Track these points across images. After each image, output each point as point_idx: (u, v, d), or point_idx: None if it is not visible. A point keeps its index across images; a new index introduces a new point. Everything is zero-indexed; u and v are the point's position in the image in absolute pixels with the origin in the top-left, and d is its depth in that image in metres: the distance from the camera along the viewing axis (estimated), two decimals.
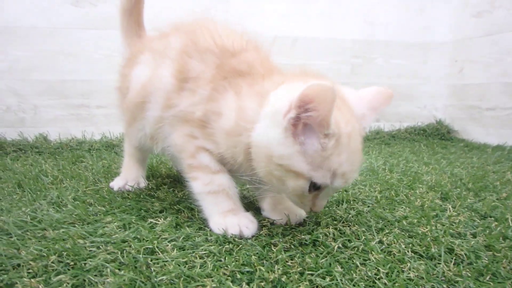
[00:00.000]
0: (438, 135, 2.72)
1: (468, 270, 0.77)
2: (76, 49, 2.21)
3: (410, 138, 2.63)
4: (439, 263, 0.79)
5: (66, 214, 1.01)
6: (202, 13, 2.27)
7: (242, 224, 0.90)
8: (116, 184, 1.28)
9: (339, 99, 0.80)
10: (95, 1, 2.19)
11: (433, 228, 0.95)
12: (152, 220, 0.97)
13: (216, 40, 1.00)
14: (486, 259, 0.81)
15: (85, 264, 0.75)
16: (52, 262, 0.75)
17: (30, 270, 0.73)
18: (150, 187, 1.31)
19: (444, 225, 0.98)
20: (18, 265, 0.75)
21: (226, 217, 0.92)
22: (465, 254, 0.81)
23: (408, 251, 0.82)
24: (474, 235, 0.93)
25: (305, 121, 0.77)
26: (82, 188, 1.25)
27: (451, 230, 0.95)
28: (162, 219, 0.98)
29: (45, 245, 0.81)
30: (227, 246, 0.83)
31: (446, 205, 1.14)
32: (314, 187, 0.82)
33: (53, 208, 1.06)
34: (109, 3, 2.19)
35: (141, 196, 1.18)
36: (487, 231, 0.95)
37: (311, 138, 0.78)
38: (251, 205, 1.10)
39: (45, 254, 0.78)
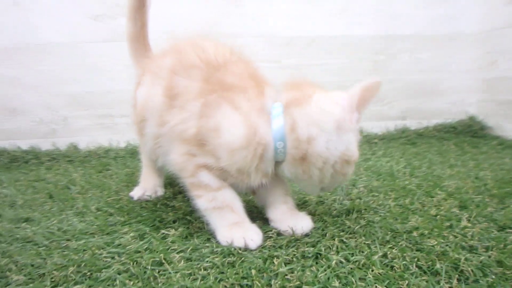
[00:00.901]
0: (469, 132, 2.59)
1: None
2: (98, 62, 2.30)
3: (438, 137, 2.53)
4: (443, 280, 0.77)
5: (88, 224, 1.08)
6: (216, 20, 2.35)
7: (247, 236, 0.93)
8: (136, 193, 1.34)
9: None
10: (114, 14, 2.25)
11: (443, 240, 0.94)
12: (164, 231, 1.01)
13: (200, 55, 1.04)
14: (494, 276, 0.79)
15: (100, 274, 0.80)
16: (71, 273, 0.81)
17: (53, 279, 0.79)
18: (167, 195, 1.36)
19: (456, 237, 0.96)
20: (43, 274, 0.81)
21: (232, 230, 0.95)
22: (472, 271, 0.80)
23: (412, 266, 0.82)
24: (487, 249, 0.90)
25: None
26: (104, 198, 1.32)
27: (462, 243, 0.93)
28: (173, 229, 1.02)
29: (67, 256, 0.88)
30: (230, 258, 0.86)
31: (463, 214, 1.12)
32: None
33: (77, 218, 1.14)
34: None
35: (157, 206, 1.23)
36: (502, 245, 0.92)
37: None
38: (260, 215, 1.11)
39: (66, 264, 0.84)
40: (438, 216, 1.10)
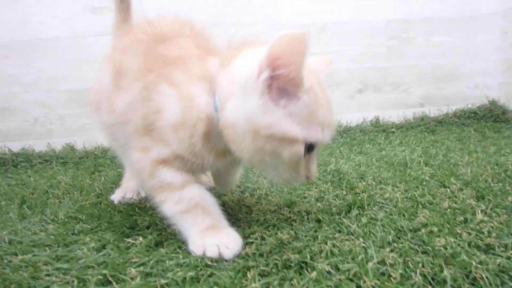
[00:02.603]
0: (491, 117, 2.42)
1: None
2: (98, 56, 2.16)
3: (459, 123, 2.37)
4: None
5: (47, 234, 0.94)
6: (224, 8, 2.24)
7: (222, 243, 0.79)
8: (116, 197, 1.22)
9: None
10: (113, 7, 2.15)
11: (455, 239, 0.78)
12: (130, 239, 0.88)
13: (147, 29, 0.95)
14: None
15: None
16: None
17: None
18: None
19: (470, 234, 0.81)
20: None
21: (205, 237, 0.81)
22: (486, 278, 0.64)
23: (414, 274, 0.67)
24: (506, 248, 0.75)
25: (278, 83, 0.72)
26: (80, 203, 1.19)
27: (477, 241, 0.77)
28: (142, 237, 0.88)
29: (4, 274, 0.74)
30: (195, 272, 0.71)
31: (480, 205, 0.96)
32: (309, 149, 0.78)
33: (38, 227, 1.01)
34: None
35: (136, 210, 1.09)
36: None
37: (291, 98, 0.74)
38: (244, 216, 0.98)
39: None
40: (451, 210, 0.95)
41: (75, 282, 0.70)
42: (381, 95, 2.51)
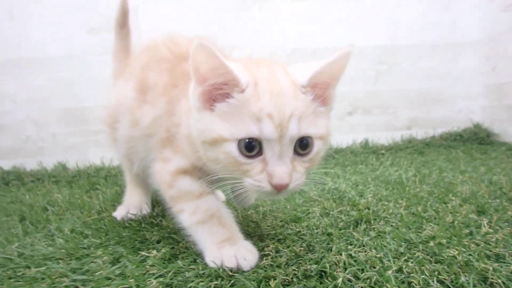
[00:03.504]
0: (476, 139, 2.51)
1: None
2: (93, 75, 2.18)
3: (446, 145, 2.44)
4: None
5: (56, 248, 0.94)
6: (219, 32, 2.29)
7: (240, 255, 0.79)
8: (119, 213, 1.21)
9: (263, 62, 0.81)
10: (110, 27, 2.17)
11: (465, 249, 0.81)
12: (144, 252, 0.88)
13: (171, 48, 0.98)
14: None
15: None
16: None
17: None
18: (156, 213, 1.22)
19: (478, 245, 0.83)
20: None
21: (222, 249, 0.81)
22: (503, 283, 0.67)
23: (432, 281, 0.69)
24: None
25: (213, 92, 0.73)
26: (83, 219, 1.18)
27: (486, 251, 0.80)
28: (155, 251, 0.88)
29: (19, 286, 0.74)
30: (217, 282, 0.72)
31: (482, 219, 0.99)
32: (248, 149, 0.71)
33: (46, 241, 1.00)
34: None
35: (142, 225, 1.09)
36: None
37: (223, 99, 0.73)
38: (256, 230, 0.99)
39: None
40: (455, 223, 0.98)
41: None
42: (370, 117, 2.57)
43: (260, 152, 0.72)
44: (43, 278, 0.77)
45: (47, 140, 2.20)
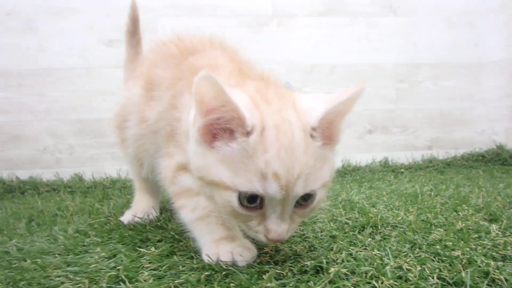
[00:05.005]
0: (499, 160, 2.44)
1: None
2: (111, 88, 2.22)
3: (467, 165, 2.38)
4: None
5: (56, 245, 0.94)
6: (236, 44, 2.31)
7: (236, 251, 0.78)
8: (126, 218, 1.21)
9: (272, 90, 0.74)
10: None
11: (470, 250, 0.78)
12: (143, 249, 0.87)
13: (177, 43, 0.99)
14: None
15: None
16: None
17: None
18: (163, 218, 1.22)
19: (485, 247, 0.80)
20: None
21: (219, 245, 0.80)
22: (505, 279, 0.64)
23: (432, 277, 0.66)
24: None
25: (213, 127, 0.68)
26: (89, 221, 1.19)
27: (493, 253, 0.77)
28: (154, 248, 0.87)
29: (11, 276, 0.74)
30: (209, 273, 0.71)
31: (492, 226, 0.96)
32: (249, 201, 0.68)
33: (49, 240, 1.01)
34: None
35: (147, 228, 1.09)
36: None
37: (229, 141, 0.68)
38: None
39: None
40: (464, 229, 0.95)
41: (86, 282, 0.69)
42: (389, 137, 2.54)
43: (260, 205, 0.69)
44: (35, 269, 0.78)
45: (64, 151, 2.24)
